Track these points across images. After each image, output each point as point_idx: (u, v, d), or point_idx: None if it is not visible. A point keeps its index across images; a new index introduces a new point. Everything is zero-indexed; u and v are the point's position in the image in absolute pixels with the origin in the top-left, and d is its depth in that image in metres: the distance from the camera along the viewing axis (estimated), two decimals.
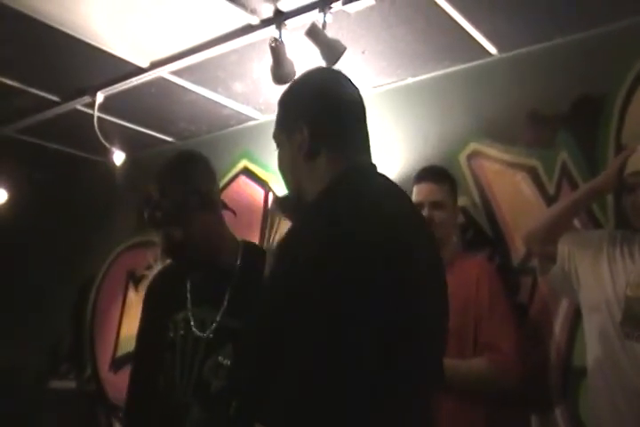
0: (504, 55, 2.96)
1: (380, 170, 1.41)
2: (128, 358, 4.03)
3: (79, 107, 3.55)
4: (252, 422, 1.08)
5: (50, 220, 4.65)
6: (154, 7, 2.65)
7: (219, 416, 1.63)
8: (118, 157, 3.65)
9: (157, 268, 4.06)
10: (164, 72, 3.20)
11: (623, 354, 1.94)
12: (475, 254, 2.71)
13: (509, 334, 2.37)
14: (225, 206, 1.93)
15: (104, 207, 4.47)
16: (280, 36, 2.64)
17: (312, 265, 1.11)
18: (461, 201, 2.83)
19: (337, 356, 1.05)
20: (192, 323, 1.76)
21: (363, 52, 2.94)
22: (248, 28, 2.78)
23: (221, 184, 3.95)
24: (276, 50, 2.66)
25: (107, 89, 3.36)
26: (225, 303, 1.77)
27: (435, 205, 2.54)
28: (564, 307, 2.55)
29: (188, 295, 1.81)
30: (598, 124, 2.64)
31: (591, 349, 2.10)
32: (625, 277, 2.02)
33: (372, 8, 2.55)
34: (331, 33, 2.53)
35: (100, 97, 3.38)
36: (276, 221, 3.62)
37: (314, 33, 2.52)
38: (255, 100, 3.53)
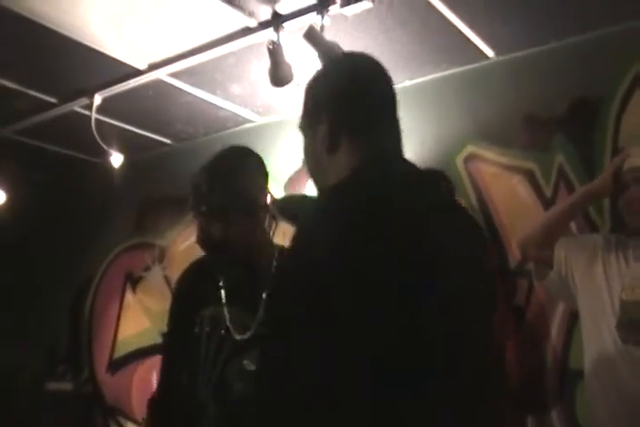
0: (501, 58, 2.97)
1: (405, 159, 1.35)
2: (125, 360, 4.03)
3: (77, 108, 3.55)
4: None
5: (47, 221, 4.64)
6: (152, 9, 2.65)
7: (236, 421, 1.65)
8: (116, 159, 3.64)
9: (155, 269, 4.07)
10: (161, 74, 3.20)
11: (619, 358, 1.95)
12: None
13: (505, 336, 2.37)
14: (268, 211, 1.91)
15: (102, 209, 4.47)
16: (278, 39, 2.64)
17: (319, 268, 1.07)
18: None
19: (348, 357, 1.02)
20: (228, 322, 1.74)
21: None
22: (246, 31, 2.78)
23: None
24: (274, 52, 2.66)
25: (104, 91, 3.35)
26: (261, 309, 1.74)
27: None
28: (560, 310, 2.56)
29: (223, 293, 1.79)
30: (595, 127, 2.65)
31: (588, 352, 2.11)
32: (620, 281, 2.03)
33: (369, 11, 2.56)
34: (328, 36, 2.53)
35: (97, 99, 3.38)
36: (274, 223, 3.62)
37: (311, 36, 2.52)
38: (253, 102, 3.54)
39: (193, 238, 4.11)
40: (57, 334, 4.39)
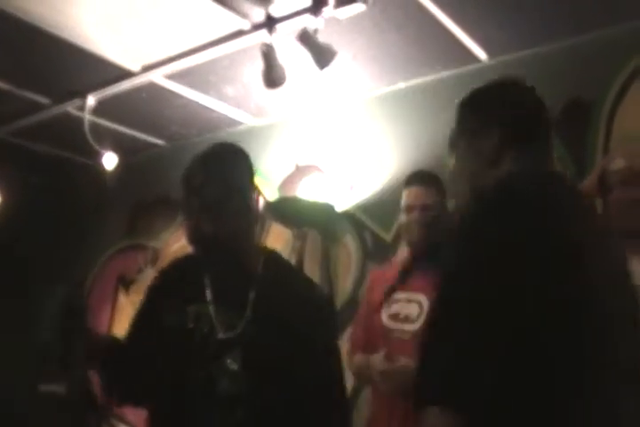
0: (494, 61, 2.99)
1: (556, 179, 1.40)
2: None
3: (70, 110, 3.54)
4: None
5: (40, 222, 4.63)
6: (146, 11, 2.66)
7: (220, 418, 1.64)
8: (109, 160, 3.64)
9: (149, 272, 4.06)
10: (155, 76, 3.20)
11: None
12: None
13: None
14: (258, 213, 1.84)
15: (94, 210, 4.46)
16: (271, 41, 2.65)
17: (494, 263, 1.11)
18: (452, 205, 2.84)
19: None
20: (213, 320, 1.70)
21: (354, 57, 2.95)
22: (240, 33, 2.79)
23: None
24: (268, 54, 2.66)
25: (98, 92, 3.35)
26: (249, 309, 1.71)
27: (425, 208, 2.55)
28: None
29: (208, 291, 1.75)
30: (586, 128, 2.67)
31: None
32: None
33: (362, 14, 2.57)
34: (322, 38, 2.54)
35: (91, 100, 3.38)
36: (267, 225, 3.63)
37: (305, 38, 2.53)
38: (246, 104, 3.54)
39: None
40: (49, 336, 4.37)
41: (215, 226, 1.69)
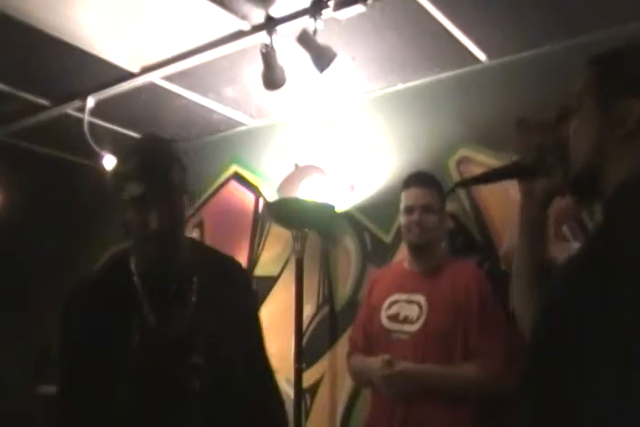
0: (493, 62, 2.98)
1: None
2: None
3: (70, 111, 3.55)
4: None
5: (40, 224, 4.62)
6: (145, 13, 2.65)
7: (197, 419, 1.63)
8: (109, 162, 3.64)
9: None
10: (154, 77, 3.20)
11: None
12: (464, 260, 2.72)
13: (498, 340, 2.38)
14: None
15: (95, 211, 4.46)
16: (271, 42, 2.65)
17: None
18: (451, 207, 2.85)
19: None
20: (153, 323, 1.65)
21: (353, 59, 2.95)
22: (239, 34, 2.79)
23: (212, 189, 3.96)
24: (267, 56, 2.67)
25: (97, 93, 3.35)
26: (191, 303, 1.69)
27: (425, 209, 2.56)
28: None
29: (142, 295, 1.68)
30: None
31: None
32: None
33: (362, 15, 2.56)
34: (321, 39, 2.54)
35: (90, 101, 3.38)
36: (267, 226, 3.63)
37: (305, 39, 2.53)
38: (246, 105, 3.54)
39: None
40: (49, 337, 4.37)
41: (165, 219, 1.62)
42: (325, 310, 3.31)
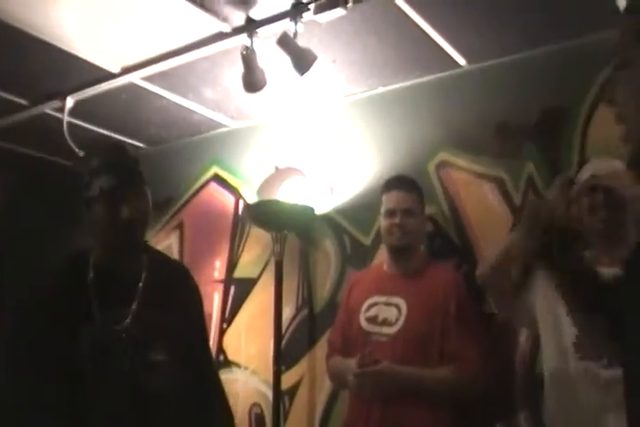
0: (473, 67, 3.00)
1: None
2: None
3: (49, 111, 3.51)
4: None
5: (17, 223, 4.58)
6: (126, 13, 2.64)
7: (159, 416, 1.66)
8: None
9: None
10: (134, 78, 3.18)
11: (576, 372, 1.99)
12: (442, 263, 2.74)
13: (475, 343, 2.40)
14: None
15: (73, 212, 4.42)
16: (251, 45, 2.65)
17: None
18: (430, 210, 2.87)
19: None
20: (105, 325, 1.66)
21: (333, 61, 2.96)
22: (220, 36, 2.78)
23: (192, 191, 3.94)
24: (248, 58, 2.67)
25: (77, 94, 3.33)
26: (141, 303, 1.71)
27: (407, 212, 2.57)
28: None
29: (94, 293, 1.69)
30: (563, 137, 2.70)
31: (548, 364, 2.16)
32: None
33: (342, 18, 2.57)
34: (302, 42, 2.54)
35: (69, 101, 3.35)
36: (247, 228, 3.63)
37: (285, 42, 2.53)
38: (226, 107, 3.53)
39: (168, 241, 4.08)
40: None
41: (133, 212, 1.68)
42: (304, 312, 3.31)
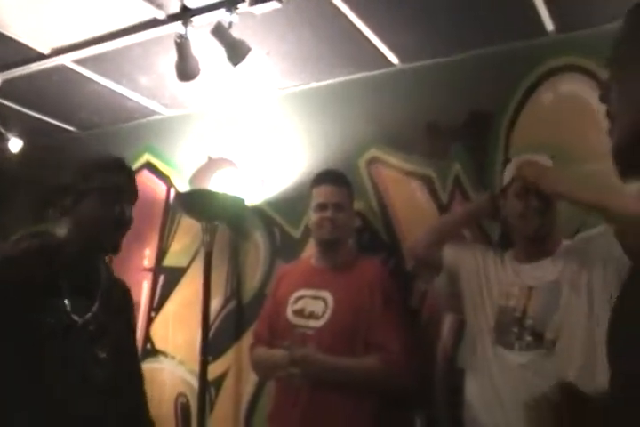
0: (406, 66, 3.04)
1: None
2: None
3: None
4: None
5: None
6: None
7: (105, 408, 1.72)
8: (14, 144, 3.52)
9: None
10: (66, 60, 3.10)
11: (494, 359, 2.06)
12: (370, 258, 2.78)
13: (399, 336, 2.44)
14: None
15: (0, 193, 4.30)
16: (185, 33, 2.61)
17: None
18: (359, 205, 2.90)
19: None
20: (70, 312, 1.73)
21: (267, 54, 2.94)
22: (154, 22, 2.73)
23: None
24: (182, 46, 2.63)
25: (4, 73, 3.22)
26: (98, 299, 1.81)
27: (337, 206, 2.60)
28: None
29: (64, 283, 1.77)
30: (488, 138, 2.77)
31: (469, 352, 2.24)
32: (498, 288, 2.15)
33: (277, 11, 2.55)
34: (236, 33, 2.52)
35: None
36: (177, 217, 3.59)
37: (219, 32, 2.51)
38: (160, 94, 3.48)
39: None
40: None
41: (129, 214, 1.86)
42: (233, 303, 3.31)
